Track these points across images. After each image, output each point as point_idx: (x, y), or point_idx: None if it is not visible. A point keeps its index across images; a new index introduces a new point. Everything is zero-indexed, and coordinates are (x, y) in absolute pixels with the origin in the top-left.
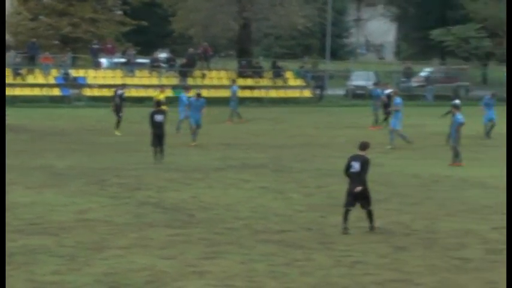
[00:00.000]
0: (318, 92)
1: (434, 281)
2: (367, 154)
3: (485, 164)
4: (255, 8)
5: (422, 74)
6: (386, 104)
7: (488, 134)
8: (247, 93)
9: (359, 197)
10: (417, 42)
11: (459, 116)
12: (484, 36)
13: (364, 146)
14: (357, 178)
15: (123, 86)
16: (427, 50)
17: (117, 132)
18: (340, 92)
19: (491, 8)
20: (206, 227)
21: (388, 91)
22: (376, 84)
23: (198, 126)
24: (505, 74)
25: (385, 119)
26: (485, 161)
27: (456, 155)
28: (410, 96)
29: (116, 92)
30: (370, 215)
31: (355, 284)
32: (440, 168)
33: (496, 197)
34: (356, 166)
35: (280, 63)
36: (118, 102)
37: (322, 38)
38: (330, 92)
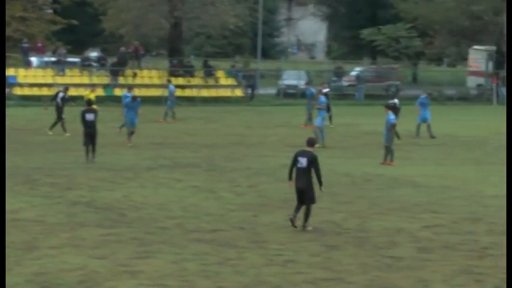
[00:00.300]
0: (249, 91)
1: (366, 280)
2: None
3: (416, 162)
4: (186, 7)
5: (353, 73)
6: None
7: (430, 134)
8: (178, 92)
9: (304, 192)
10: (348, 42)
11: (391, 116)
12: (414, 35)
13: (311, 142)
14: (303, 174)
15: (66, 88)
16: (358, 50)
17: (49, 132)
18: (272, 91)
19: (422, 8)
20: (138, 227)
21: (325, 90)
22: (308, 83)
23: (134, 126)
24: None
25: (329, 118)
26: (416, 160)
27: (390, 154)
28: (341, 96)
29: (57, 93)
30: (307, 213)
31: (287, 283)
32: (372, 167)
33: (426, 195)
34: (303, 162)
35: (211, 63)
36: (60, 104)
37: (254, 37)
38: (261, 91)
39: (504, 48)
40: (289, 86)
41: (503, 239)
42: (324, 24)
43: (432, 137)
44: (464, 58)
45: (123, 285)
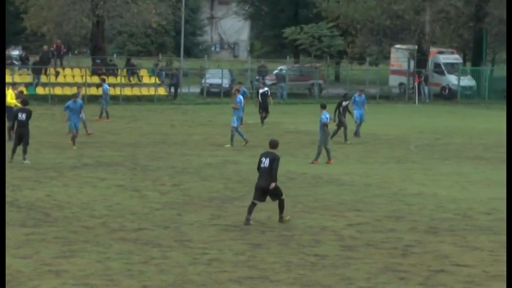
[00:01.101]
0: (172, 90)
1: (290, 278)
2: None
3: (339, 161)
4: (108, 5)
5: (276, 71)
6: (261, 104)
7: (357, 132)
8: (101, 91)
9: (268, 192)
10: (271, 41)
11: (324, 116)
12: (336, 34)
13: (274, 144)
14: (266, 173)
15: None
16: (281, 48)
17: None
18: (195, 90)
19: (344, 7)
20: (62, 226)
21: (262, 90)
22: (240, 82)
23: (77, 129)
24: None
25: (264, 118)
26: (340, 158)
27: (327, 153)
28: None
29: None
30: (281, 205)
31: (212, 281)
32: (296, 165)
33: (350, 193)
34: (266, 162)
35: (134, 61)
36: None
37: (177, 36)
38: (184, 90)
39: (425, 47)
40: (212, 85)
41: (426, 237)
42: (247, 23)
43: (356, 135)
44: (386, 57)
45: (47, 284)
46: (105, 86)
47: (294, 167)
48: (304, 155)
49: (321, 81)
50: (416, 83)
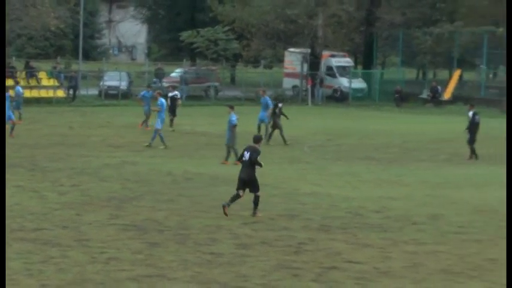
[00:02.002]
0: (71, 92)
1: (187, 276)
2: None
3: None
4: (7, 8)
5: (173, 74)
6: (170, 107)
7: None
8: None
9: (248, 183)
10: (168, 44)
11: (233, 117)
12: (232, 38)
13: (257, 139)
14: (247, 166)
15: None
16: (178, 51)
17: None
18: (94, 92)
19: (239, 11)
20: None
21: (172, 94)
22: (149, 86)
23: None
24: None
25: (171, 121)
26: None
27: (234, 154)
28: (163, 97)
29: None
30: (255, 201)
31: (110, 280)
32: (193, 166)
33: (245, 193)
34: (246, 156)
35: (33, 64)
36: None
37: (75, 39)
38: (83, 92)
39: (318, 51)
40: (110, 87)
41: (319, 235)
42: (144, 27)
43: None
44: (280, 60)
45: None
46: (18, 88)
47: (190, 168)
48: (201, 156)
49: (217, 84)
50: (309, 86)
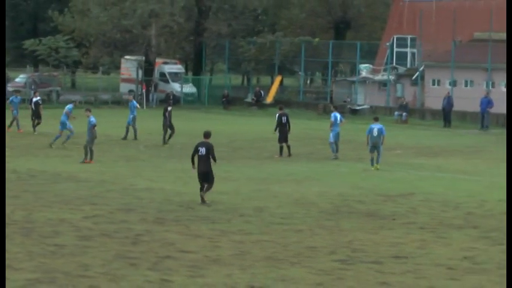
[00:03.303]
0: None
1: (32, 266)
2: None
3: (76, 160)
4: None
5: (18, 79)
6: (34, 111)
7: (125, 137)
8: None
9: (204, 176)
10: (12, 51)
11: (92, 119)
12: (72, 46)
13: (207, 135)
14: (204, 160)
15: None
16: (21, 58)
17: None
18: None
19: (78, 22)
20: None
21: (36, 99)
22: (17, 91)
23: None
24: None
25: (35, 125)
26: (77, 157)
27: (91, 153)
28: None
29: None
30: (208, 189)
31: None
32: (36, 164)
33: (86, 189)
34: (202, 150)
35: None
36: None
37: None
38: None
39: (152, 58)
40: None
41: (154, 227)
42: None
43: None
44: (117, 67)
45: None
46: None
47: (34, 166)
48: (44, 155)
49: (58, 88)
50: (144, 90)
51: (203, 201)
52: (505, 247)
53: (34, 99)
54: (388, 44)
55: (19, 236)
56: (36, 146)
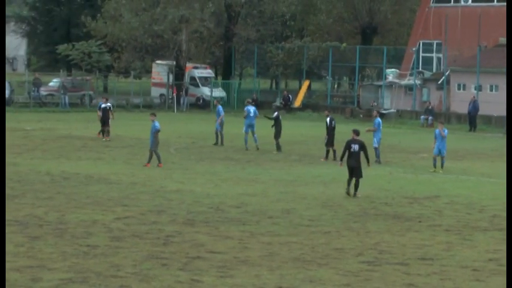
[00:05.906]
0: None
1: (66, 266)
2: None
3: (107, 162)
4: None
5: (51, 84)
6: (102, 117)
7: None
8: None
9: (354, 170)
10: (46, 56)
11: (156, 124)
12: (104, 51)
13: (358, 132)
14: (355, 156)
15: None
16: (55, 63)
17: None
18: None
19: (110, 27)
20: None
21: (104, 105)
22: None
23: None
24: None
25: (103, 132)
26: (108, 159)
27: (151, 157)
28: (41, 104)
29: None
30: (357, 185)
31: None
32: (69, 166)
33: (118, 191)
34: (355, 147)
35: None
36: None
37: None
38: None
39: (182, 63)
40: None
41: (184, 228)
42: (24, 40)
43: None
44: (148, 71)
45: None
46: None
47: (67, 168)
48: (77, 157)
49: (91, 92)
50: (174, 94)
51: (353, 194)
52: None
53: (103, 105)
54: (414, 49)
55: (53, 237)
56: (68, 149)
